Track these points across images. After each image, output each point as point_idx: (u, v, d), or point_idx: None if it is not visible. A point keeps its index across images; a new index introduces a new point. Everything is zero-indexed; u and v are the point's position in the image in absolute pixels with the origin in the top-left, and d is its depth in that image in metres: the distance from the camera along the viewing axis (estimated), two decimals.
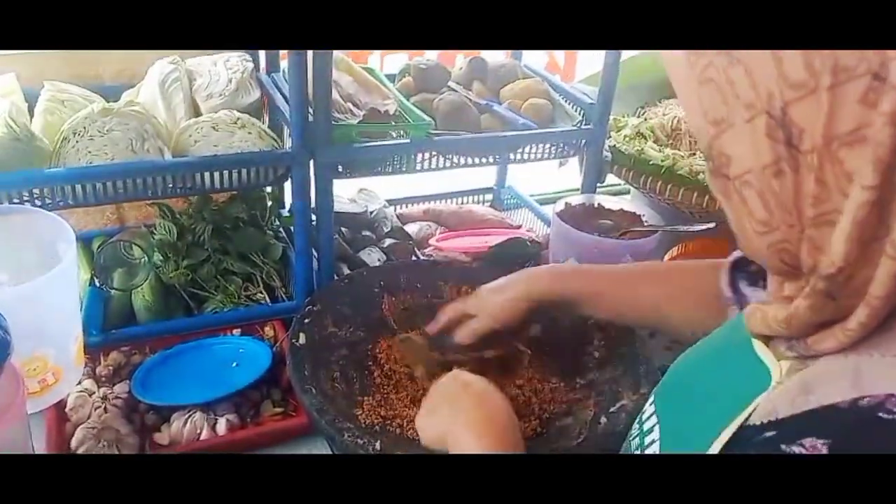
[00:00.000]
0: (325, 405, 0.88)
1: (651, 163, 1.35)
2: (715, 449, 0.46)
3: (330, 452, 0.98)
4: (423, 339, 1.01)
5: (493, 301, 0.94)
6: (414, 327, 1.05)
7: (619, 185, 1.69)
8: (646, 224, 1.25)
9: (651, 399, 0.62)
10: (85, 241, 1.30)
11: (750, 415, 0.45)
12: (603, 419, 0.94)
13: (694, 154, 1.42)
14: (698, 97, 0.45)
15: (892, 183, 0.38)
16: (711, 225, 1.19)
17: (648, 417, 0.60)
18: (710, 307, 0.80)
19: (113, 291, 1.13)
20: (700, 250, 1.34)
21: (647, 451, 0.57)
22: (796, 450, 0.40)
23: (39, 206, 0.96)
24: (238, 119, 1.08)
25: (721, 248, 1.36)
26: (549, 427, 0.96)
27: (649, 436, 0.58)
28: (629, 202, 1.34)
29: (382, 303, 1.12)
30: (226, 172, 1.06)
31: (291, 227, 1.18)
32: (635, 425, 0.63)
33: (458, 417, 0.71)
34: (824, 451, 0.39)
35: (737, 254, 0.79)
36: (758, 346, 0.51)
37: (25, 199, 0.97)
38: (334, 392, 0.94)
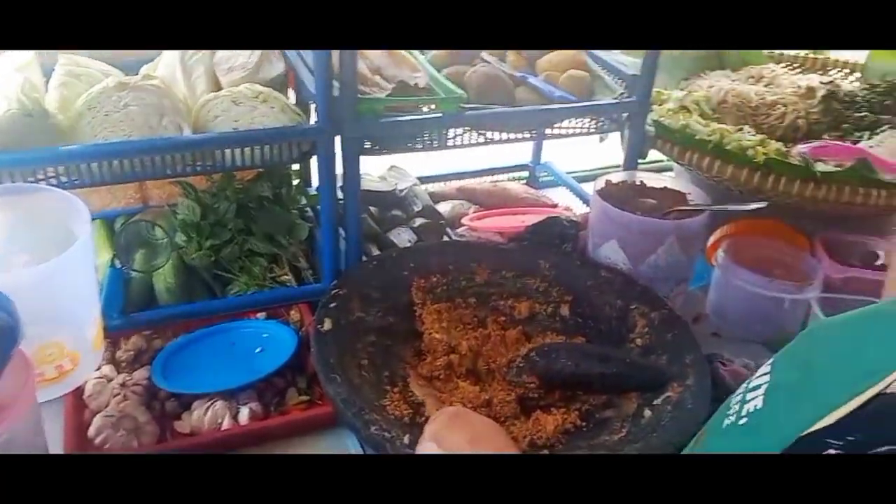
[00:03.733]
0: (351, 395, 0.83)
1: (697, 138, 1.27)
2: (837, 412, 0.43)
3: (357, 444, 0.94)
4: None
5: None
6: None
7: (663, 161, 1.61)
8: (691, 203, 1.17)
9: (770, 361, 0.57)
10: (108, 220, 1.27)
11: (890, 384, 0.42)
12: (647, 412, 0.88)
13: (741, 129, 1.33)
14: None
15: None
16: (762, 204, 1.12)
17: (760, 376, 0.56)
18: None
19: (134, 273, 1.10)
20: (750, 230, 1.27)
21: (747, 406, 0.53)
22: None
23: (55, 185, 0.92)
24: (260, 93, 1.03)
25: (771, 227, 1.28)
26: (588, 420, 0.90)
27: (752, 392, 0.54)
28: (673, 179, 1.27)
29: (412, 286, 1.07)
30: (247, 149, 1.01)
31: (318, 207, 1.14)
32: (743, 385, 0.58)
33: None
34: None
35: None
36: None
37: (40, 177, 0.93)
38: (361, 381, 0.90)
